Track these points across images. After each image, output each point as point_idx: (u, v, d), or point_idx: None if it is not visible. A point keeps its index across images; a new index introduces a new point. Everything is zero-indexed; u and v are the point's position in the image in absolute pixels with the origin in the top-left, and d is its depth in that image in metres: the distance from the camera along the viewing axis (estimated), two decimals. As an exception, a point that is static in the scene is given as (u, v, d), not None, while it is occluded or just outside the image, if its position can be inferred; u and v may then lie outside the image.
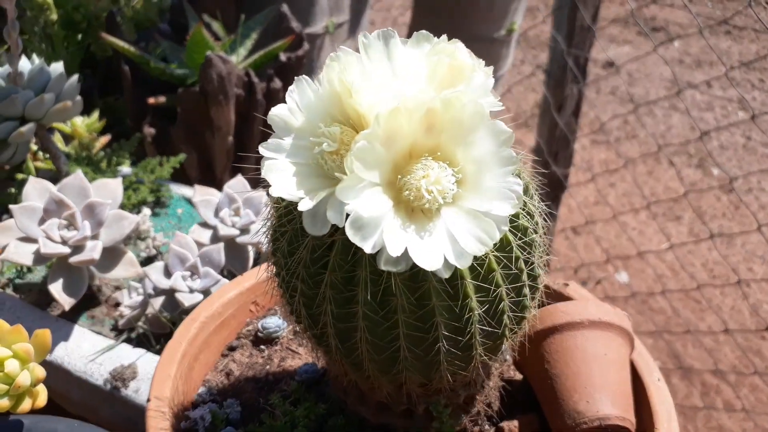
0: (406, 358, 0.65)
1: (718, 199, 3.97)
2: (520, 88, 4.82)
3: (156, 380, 0.86)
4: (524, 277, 0.67)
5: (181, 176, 1.85)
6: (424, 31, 0.64)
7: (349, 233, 0.55)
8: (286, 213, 0.66)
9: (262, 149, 0.61)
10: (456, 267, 0.57)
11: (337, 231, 0.61)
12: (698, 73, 5.09)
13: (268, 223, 0.70)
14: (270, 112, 0.62)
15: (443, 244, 0.57)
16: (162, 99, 1.90)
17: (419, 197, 0.57)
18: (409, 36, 2.10)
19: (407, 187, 0.58)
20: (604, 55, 4.89)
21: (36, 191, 1.20)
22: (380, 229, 0.56)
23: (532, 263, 0.68)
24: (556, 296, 1.01)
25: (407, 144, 0.58)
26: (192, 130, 1.86)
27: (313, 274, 0.64)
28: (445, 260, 0.57)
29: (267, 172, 0.59)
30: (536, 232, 0.68)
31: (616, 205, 3.86)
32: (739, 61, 5.12)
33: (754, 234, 2.01)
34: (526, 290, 0.68)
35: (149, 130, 1.89)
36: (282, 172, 0.60)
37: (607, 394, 0.80)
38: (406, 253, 0.56)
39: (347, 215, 0.55)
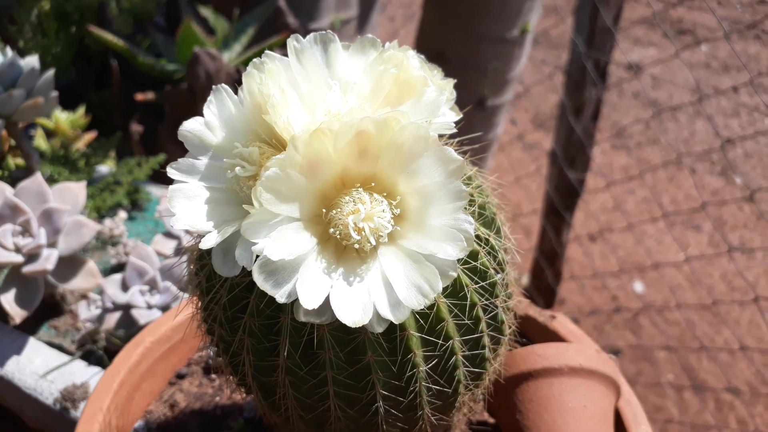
0: (339, 418, 0.56)
1: (740, 208, 3.84)
2: (540, 88, 4.70)
3: (85, 415, 0.78)
4: (482, 326, 0.57)
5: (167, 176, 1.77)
6: (370, 36, 0.54)
7: (258, 279, 0.46)
8: (207, 243, 0.56)
9: (170, 170, 0.52)
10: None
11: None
12: (725, 77, 4.94)
13: (190, 254, 0.60)
14: (181, 127, 0.53)
15: (376, 291, 0.48)
16: (150, 95, 1.82)
17: (347, 236, 0.48)
18: (418, 36, 1.98)
19: (334, 224, 0.48)
20: (628, 57, 4.76)
21: (-9, 194, 1.12)
22: (297, 275, 0.46)
23: (494, 309, 0.58)
24: (541, 330, 0.91)
25: (336, 171, 0.49)
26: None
27: (231, 317, 0.55)
28: (377, 312, 0.47)
29: (172, 198, 0.50)
30: (499, 273, 0.58)
31: (635, 212, 3.74)
32: None
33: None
34: (486, 341, 0.58)
35: (137, 128, 1.82)
36: (191, 199, 0.51)
37: (584, 454, 0.70)
38: (328, 302, 0.47)
39: (258, 256, 0.46)
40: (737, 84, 4.65)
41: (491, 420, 0.86)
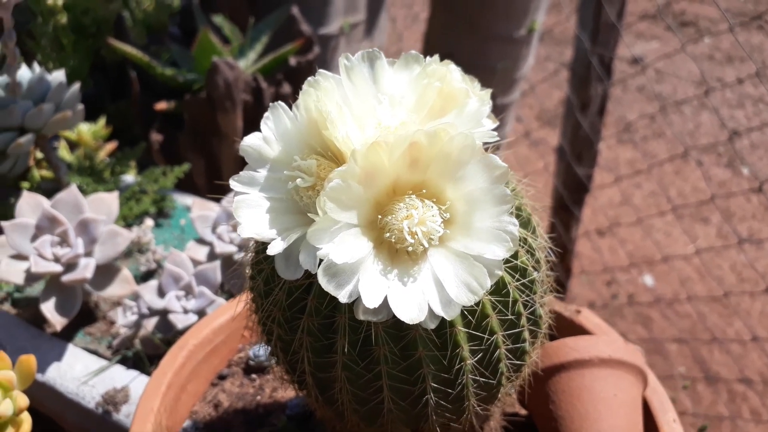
0: (391, 410, 0.59)
1: (747, 199, 3.85)
2: (545, 85, 4.72)
3: (137, 416, 0.81)
4: (523, 321, 0.60)
5: (188, 184, 1.81)
6: (413, 52, 0.58)
7: (322, 281, 0.50)
8: (263, 249, 0.60)
9: (233, 183, 0.56)
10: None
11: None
12: (729, 69, 4.95)
13: (247, 257, 0.64)
14: (242, 143, 0.57)
15: (429, 291, 0.52)
16: (171, 104, 1.86)
17: (401, 240, 0.51)
18: (426, 37, 2.03)
19: (388, 229, 0.52)
20: (631, 51, 4.77)
21: (29, 207, 1.17)
22: (357, 277, 0.50)
23: (533, 305, 0.62)
24: (568, 324, 0.94)
25: (389, 180, 0.53)
26: (199, 136, 1.82)
27: (290, 318, 0.59)
28: (431, 310, 0.51)
29: (237, 208, 0.54)
30: (537, 270, 0.62)
31: (642, 206, 3.76)
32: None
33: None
34: (526, 335, 0.62)
35: (156, 137, 1.86)
36: (254, 209, 0.55)
37: (617, 440, 0.74)
38: (386, 301, 0.51)
39: (321, 260, 0.50)
40: (741, 75, 4.65)
41: (523, 411, 0.89)
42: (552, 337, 0.86)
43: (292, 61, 1.88)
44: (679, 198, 3.82)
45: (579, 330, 0.93)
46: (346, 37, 2.58)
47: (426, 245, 0.52)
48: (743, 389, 2.77)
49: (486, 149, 0.60)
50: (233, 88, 1.71)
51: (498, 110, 2.90)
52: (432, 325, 0.52)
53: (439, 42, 2.78)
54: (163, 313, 1.12)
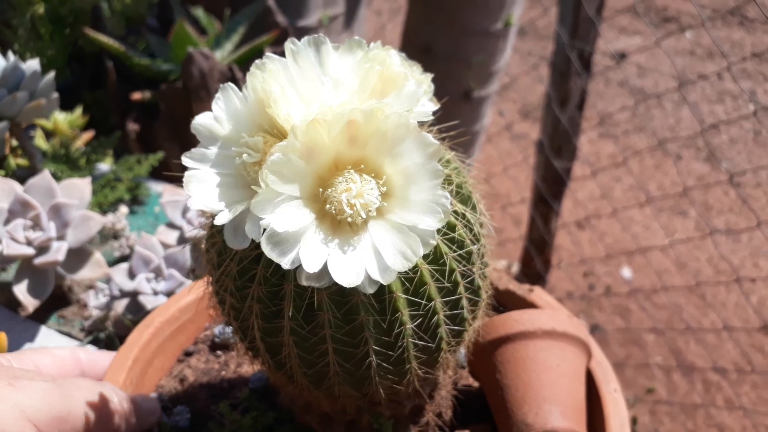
0: (337, 372, 0.63)
1: (725, 193, 3.91)
2: (527, 80, 4.77)
3: (104, 387, 0.85)
4: (461, 289, 0.65)
5: (164, 173, 1.84)
6: (357, 38, 0.62)
7: (266, 249, 0.53)
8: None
9: (185, 159, 0.60)
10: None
11: (265, 243, 0.59)
12: (710, 64, 5.01)
13: (202, 234, 0.68)
14: (193, 121, 0.60)
15: (367, 258, 0.55)
16: (147, 94, 1.89)
17: (341, 211, 0.55)
18: (404, 30, 2.09)
19: (329, 201, 0.56)
20: (613, 46, 4.83)
21: (2, 191, 1.19)
22: (299, 245, 0.54)
23: (471, 275, 0.66)
24: (521, 302, 0.99)
25: (330, 156, 0.56)
26: (175, 126, 1.85)
27: (241, 287, 0.62)
28: (368, 276, 0.55)
29: (187, 182, 0.58)
30: (475, 243, 0.66)
31: (622, 199, 3.82)
32: (751, 52, 5.04)
33: (760, 229, 2.00)
34: (464, 303, 0.66)
35: (133, 126, 1.88)
36: (203, 183, 0.58)
37: (557, 406, 0.78)
38: (327, 268, 0.54)
39: (265, 230, 0.54)
40: (721, 70, 4.73)
41: (475, 384, 0.94)
42: (502, 312, 0.90)
43: (268, 51, 1.91)
44: (658, 191, 3.88)
45: (531, 307, 0.97)
46: (325, 30, 2.61)
47: (364, 216, 0.55)
48: (717, 379, 2.84)
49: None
50: (208, 77, 1.74)
51: (476, 102, 2.94)
52: (370, 290, 0.56)
53: (417, 35, 2.81)
54: (134, 295, 1.15)
